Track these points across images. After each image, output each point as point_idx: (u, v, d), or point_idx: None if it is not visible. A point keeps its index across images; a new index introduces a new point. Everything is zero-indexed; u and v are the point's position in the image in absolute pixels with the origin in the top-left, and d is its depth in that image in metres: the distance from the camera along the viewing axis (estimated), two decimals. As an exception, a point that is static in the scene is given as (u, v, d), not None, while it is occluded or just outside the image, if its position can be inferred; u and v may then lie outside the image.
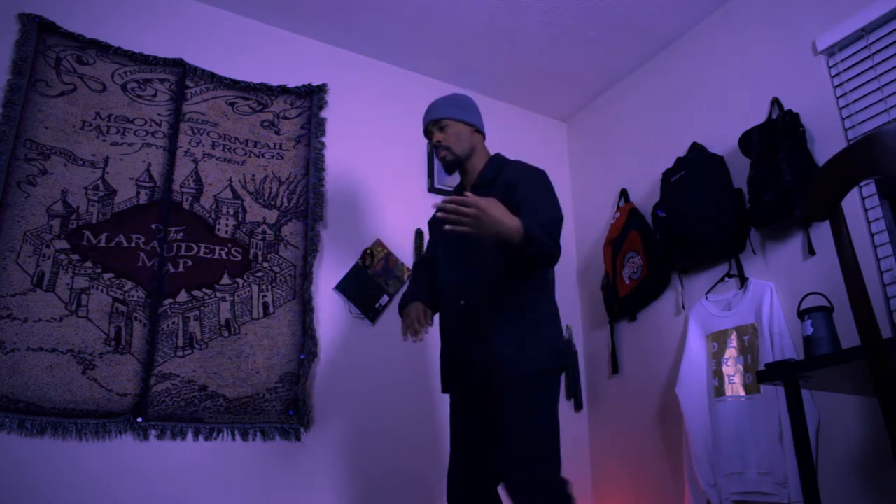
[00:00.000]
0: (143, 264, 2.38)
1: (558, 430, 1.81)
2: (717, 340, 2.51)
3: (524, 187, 1.88)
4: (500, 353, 1.81)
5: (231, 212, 2.61)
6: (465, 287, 1.92)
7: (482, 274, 1.88)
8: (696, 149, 2.76)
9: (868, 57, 2.27)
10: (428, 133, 2.07)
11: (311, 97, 2.93)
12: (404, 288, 2.87)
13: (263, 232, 2.65)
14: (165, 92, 2.62)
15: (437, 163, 3.13)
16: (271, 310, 2.57)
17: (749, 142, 2.45)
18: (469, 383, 1.90)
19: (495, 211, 1.62)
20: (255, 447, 2.38)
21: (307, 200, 2.77)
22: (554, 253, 1.78)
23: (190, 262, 2.47)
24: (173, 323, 2.37)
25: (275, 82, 2.87)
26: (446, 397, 2.71)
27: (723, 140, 2.71)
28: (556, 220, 1.85)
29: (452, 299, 1.95)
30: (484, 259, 1.88)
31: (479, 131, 2.08)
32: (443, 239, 2.05)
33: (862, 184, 2.21)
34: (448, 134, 2.01)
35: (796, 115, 2.35)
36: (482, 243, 1.80)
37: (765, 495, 2.23)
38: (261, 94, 2.83)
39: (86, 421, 2.13)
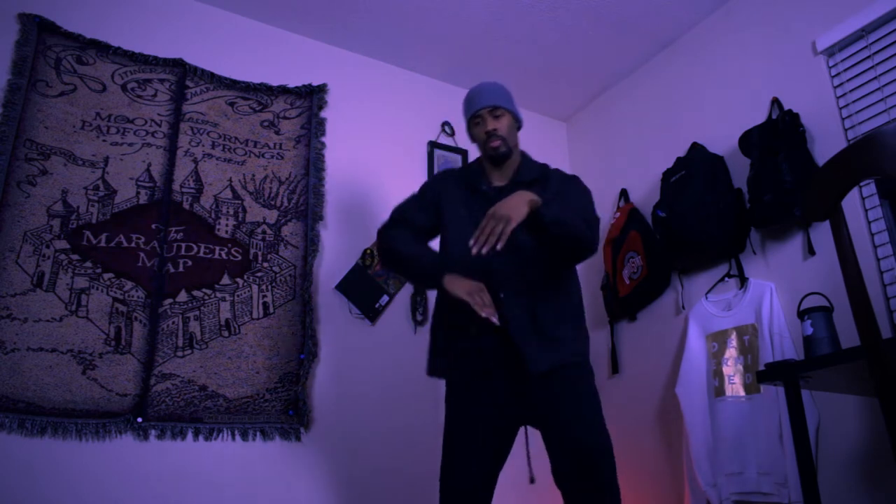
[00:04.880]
0: (143, 264, 2.38)
1: None
2: (717, 340, 2.51)
3: (570, 191, 1.93)
4: (559, 336, 1.81)
5: (231, 212, 2.61)
6: (502, 271, 1.83)
7: (520, 256, 1.83)
8: (696, 149, 2.75)
9: (868, 57, 2.27)
10: (477, 118, 1.95)
11: (311, 97, 2.92)
12: (405, 288, 2.86)
13: (263, 232, 2.65)
14: (165, 92, 2.62)
15: (436, 163, 3.12)
16: (271, 310, 2.56)
17: (749, 142, 2.45)
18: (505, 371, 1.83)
19: (506, 204, 1.65)
20: (255, 447, 2.38)
21: (307, 200, 2.77)
22: (585, 236, 1.78)
23: (190, 262, 2.47)
24: (173, 323, 2.37)
25: (275, 82, 2.86)
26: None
27: (723, 140, 2.71)
28: (593, 213, 1.88)
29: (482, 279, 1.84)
30: (524, 243, 1.82)
31: (520, 126, 2.05)
32: (470, 218, 1.90)
33: (862, 184, 2.21)
34: (503, 124, 1.94)
35: (796, 115, 2.35)
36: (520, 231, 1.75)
37: (765, 495, 2.23)
38: (261, 94, 2.83)
39: (86, 421, 2.13)
